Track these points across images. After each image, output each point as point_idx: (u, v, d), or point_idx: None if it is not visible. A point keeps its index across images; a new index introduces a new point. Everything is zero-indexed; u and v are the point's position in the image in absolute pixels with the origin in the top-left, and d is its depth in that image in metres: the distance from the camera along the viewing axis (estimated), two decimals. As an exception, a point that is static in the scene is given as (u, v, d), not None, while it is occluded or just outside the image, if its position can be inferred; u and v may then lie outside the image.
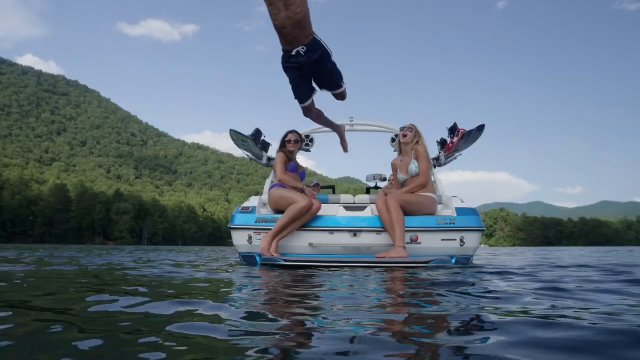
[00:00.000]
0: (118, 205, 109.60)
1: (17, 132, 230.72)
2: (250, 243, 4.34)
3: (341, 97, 3.46)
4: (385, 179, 6.17)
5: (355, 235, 4.28)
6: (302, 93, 3.31)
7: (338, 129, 4.30)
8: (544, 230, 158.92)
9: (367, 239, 4.28)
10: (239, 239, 4.40)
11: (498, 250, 21.45)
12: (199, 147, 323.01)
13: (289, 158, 4.66)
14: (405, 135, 4.50)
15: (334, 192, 6.87)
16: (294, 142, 4.68)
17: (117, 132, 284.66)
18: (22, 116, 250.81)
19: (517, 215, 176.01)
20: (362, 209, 4.74)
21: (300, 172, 4.69)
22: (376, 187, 6.32)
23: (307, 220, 4.26)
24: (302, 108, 3.37)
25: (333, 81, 3.32)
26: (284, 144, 4.70)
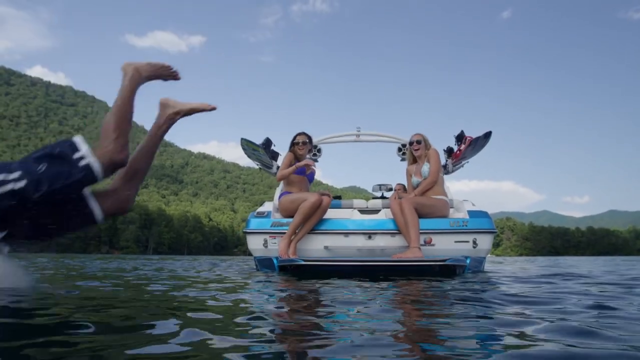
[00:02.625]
0: (124, 215, 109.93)
1: (25, 142, 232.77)
2: (266, 247, 4.41)
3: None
4: (390, 189, 6.23)
5: (370, 237, 4.37)
6: (71, 225, 1.82)
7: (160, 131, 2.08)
8: (551, 239, 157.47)
9: (381, 241, 4.36)
10: (255, 243, 4.47)
11: (505, 261, 21.17)
12: (205, 157, 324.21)
13: (298, 160, 4.71)
14: (417, 149, 4.68)
15: None
16: (302, 144, 4.71)
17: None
18: (30, 126, 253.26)
19: (524, 224, 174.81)
20: (376, 212, 4.82)
21: (307, 174, 4.73)
22: (382, 197, 6.37)
23: (319, 217, 4.31)
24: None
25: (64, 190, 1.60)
26: (292, 145, 4.76)
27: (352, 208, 4.96)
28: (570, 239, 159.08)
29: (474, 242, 4.24)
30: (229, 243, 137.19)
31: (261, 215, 4.58)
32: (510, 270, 5.12)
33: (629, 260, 16.01)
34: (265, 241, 4.41)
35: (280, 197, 4.64)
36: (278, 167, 5.65)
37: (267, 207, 4.75)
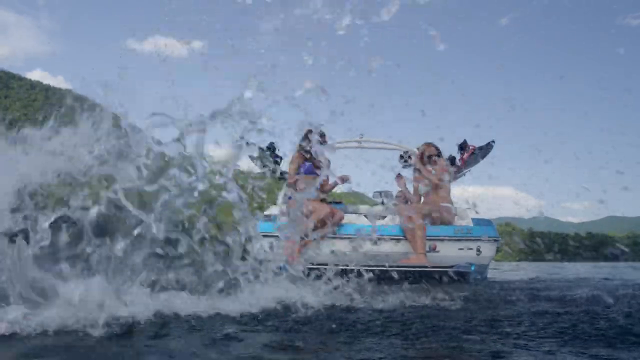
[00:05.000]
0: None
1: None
2: (272, 251, 4.43)
3: None
4: (390, 196, 6.27)
5: (375, 243, 4.41)
6: None
7: None
8: (550, 245, 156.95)
9: (387, 247, 4.41)
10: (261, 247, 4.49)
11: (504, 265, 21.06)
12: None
13: (307, 158, 4.62)
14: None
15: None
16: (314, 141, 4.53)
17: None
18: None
19: (523, 230, 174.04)
20: (382, 217, 4.86)
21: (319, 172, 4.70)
22: (382, 204, 6.39)
23: (328, 229, 4.37)
24: None
25: None
26: (304, 140, 4.55)
27: (357, 213, 5.01)
28: (569, 245, 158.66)
29: (478, 250, 4.30)
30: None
31: (267, 218, 4.62)
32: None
33: (630, 267, 15.96)
34: (272, 244, 4.44)
35: (288, 200, 4.66)
36: (282, 172, 5.67)
37: (273, 210, 4.79)
